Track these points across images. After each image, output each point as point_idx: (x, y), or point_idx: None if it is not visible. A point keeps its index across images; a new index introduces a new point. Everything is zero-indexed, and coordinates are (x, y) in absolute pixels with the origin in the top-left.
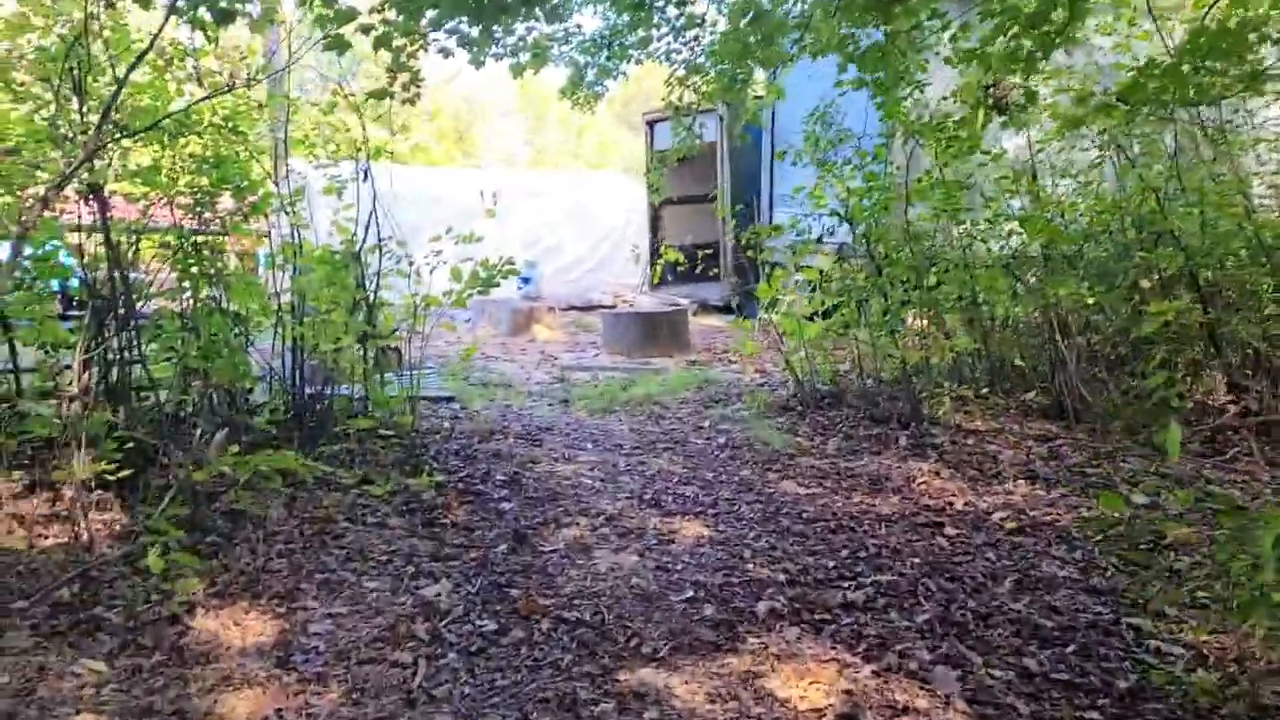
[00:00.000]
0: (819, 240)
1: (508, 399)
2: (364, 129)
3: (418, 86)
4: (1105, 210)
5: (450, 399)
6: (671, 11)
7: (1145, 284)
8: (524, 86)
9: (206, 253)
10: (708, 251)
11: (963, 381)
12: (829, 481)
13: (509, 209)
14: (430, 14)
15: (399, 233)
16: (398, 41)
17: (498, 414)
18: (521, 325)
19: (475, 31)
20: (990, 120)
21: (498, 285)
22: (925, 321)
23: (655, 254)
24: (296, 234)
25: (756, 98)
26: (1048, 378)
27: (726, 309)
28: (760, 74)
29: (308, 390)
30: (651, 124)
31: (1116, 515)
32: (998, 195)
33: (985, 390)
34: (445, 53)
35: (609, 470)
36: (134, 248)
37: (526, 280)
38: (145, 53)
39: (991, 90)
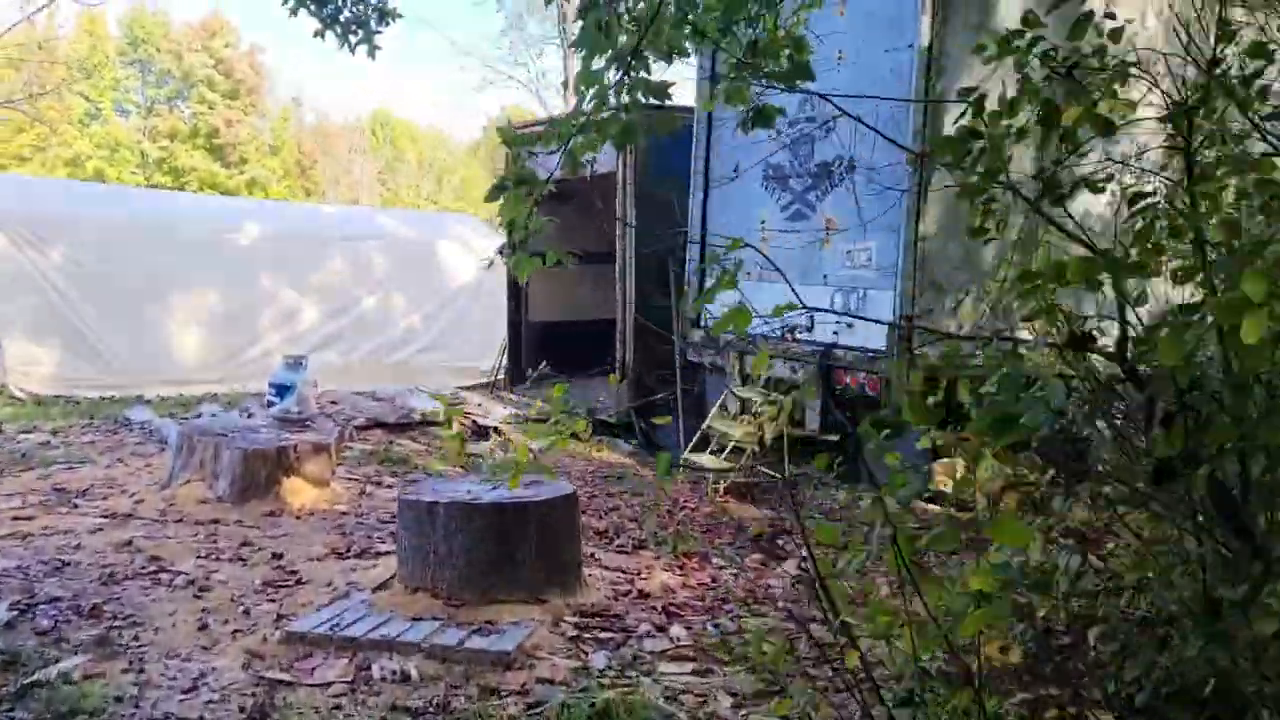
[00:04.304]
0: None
1: None
2: None
3: None
4: None
5: None
6: None
7: None
8: (379, 120)
9: None
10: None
11: None
12: None
13: (301, 260)
14: None
15: None
16: None
17: None
18: (262, 480)
19: None
20: None
21: None
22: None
23: (517, 337)
24: None
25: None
26: None
27: (626, 429)
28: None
29: None
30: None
31: None
32: None
33: None
34: None
35: None
36: None
37: (282, 392)
38: None
39: None
